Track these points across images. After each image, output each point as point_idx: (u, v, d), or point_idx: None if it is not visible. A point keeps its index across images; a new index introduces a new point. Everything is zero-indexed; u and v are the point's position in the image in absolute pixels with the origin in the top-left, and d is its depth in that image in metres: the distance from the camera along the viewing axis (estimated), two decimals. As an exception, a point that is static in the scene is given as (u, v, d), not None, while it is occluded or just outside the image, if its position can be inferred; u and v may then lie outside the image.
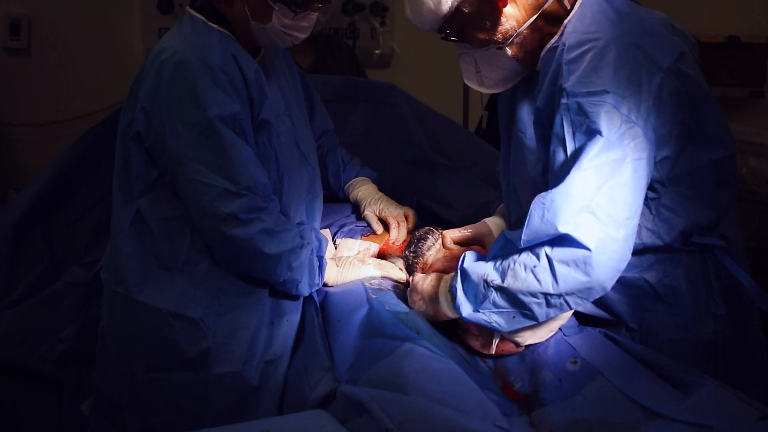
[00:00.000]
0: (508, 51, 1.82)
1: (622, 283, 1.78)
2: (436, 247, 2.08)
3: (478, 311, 1.74)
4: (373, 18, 4.10)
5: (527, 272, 1.67)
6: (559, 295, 1.67)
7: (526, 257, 1.68)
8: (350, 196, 2.48)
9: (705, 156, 1.79)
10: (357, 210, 2.49)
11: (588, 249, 1.63)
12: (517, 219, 1.93)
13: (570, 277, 1.65)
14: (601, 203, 1.63)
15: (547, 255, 1.66)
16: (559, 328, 1.88)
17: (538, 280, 1.67)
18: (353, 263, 2.13)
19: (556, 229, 1.63)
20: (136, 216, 1.93)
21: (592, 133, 1.64)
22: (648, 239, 1.81)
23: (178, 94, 1.85)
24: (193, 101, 1.83)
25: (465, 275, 1.77)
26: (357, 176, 2.48)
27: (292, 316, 2.02)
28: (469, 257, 1.81)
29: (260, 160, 1.93)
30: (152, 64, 1.89)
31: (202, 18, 1.94)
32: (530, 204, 1.69)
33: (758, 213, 4.26)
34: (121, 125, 1.96)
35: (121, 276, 1.95)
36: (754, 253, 4.36)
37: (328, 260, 2.09)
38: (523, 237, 1.67)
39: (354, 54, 3.52)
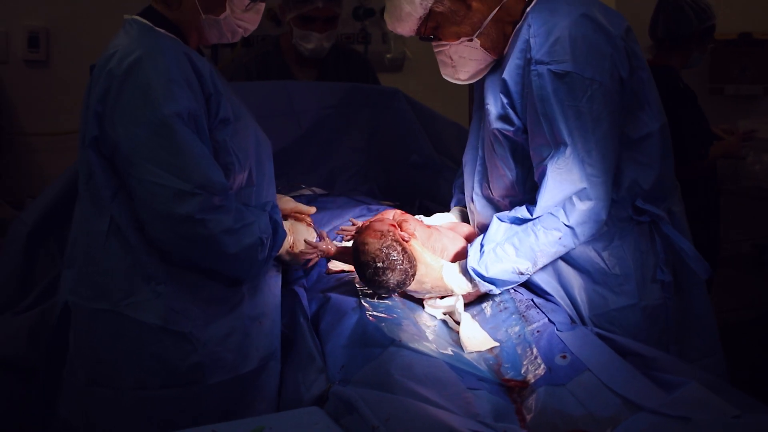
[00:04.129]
0: (478, 42, 2.04)
1: (572, 258, 2.04)
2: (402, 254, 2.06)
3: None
4: (384, 23, 4.13)
5: (555, 245, 1.96)
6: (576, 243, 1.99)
7: (547, 234, 1.95)
8: None
9: (654, 122, 2.04)
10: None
11: (591, 200, 1.93)
12: (499, 190, 2.14)
13: (586, 231, 1.96)
14: (589, 161, 1.92)
15: (565, 224, 1.94)
16: (553, 323, 1.96)
17: (564, 245, 1.97)
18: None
19: (578, 185, 1.92)
20: (111, 227, 1.87)
21: (566, 99, 1.90)
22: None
23: (130, 95, 1.79)
24: (145, 100, 1.78)
25: (492, 282, 2.01)
26: None
27: (275, 315, 2.03)
28: (473, 258, 1.99)
29: (222, 156, 1.89)
30: (102, 69, 1.83)
31: (147, 22, 1.89)
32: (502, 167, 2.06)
33: (772, 209, 4.27)
34: (80, 138, 1.91)
35: (105, 292, 1.88)
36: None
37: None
38: (543, 203, 1.95)
39: (366, 62, 3.53)
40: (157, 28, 1.88)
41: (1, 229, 2.95)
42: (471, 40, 2.04)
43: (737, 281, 4.54)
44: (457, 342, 1.98)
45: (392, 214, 2.20)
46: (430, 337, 1.93)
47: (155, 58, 1.80)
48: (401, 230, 2.10)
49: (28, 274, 2.35)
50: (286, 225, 2.13)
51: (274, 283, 2.09)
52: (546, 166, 1.95)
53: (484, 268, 1.99)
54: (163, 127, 1.78)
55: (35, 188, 3.28)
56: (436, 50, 2.11)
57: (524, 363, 1.88)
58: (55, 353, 2.05)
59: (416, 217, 2.31)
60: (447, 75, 2.15)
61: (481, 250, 2.01)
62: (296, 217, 2.27)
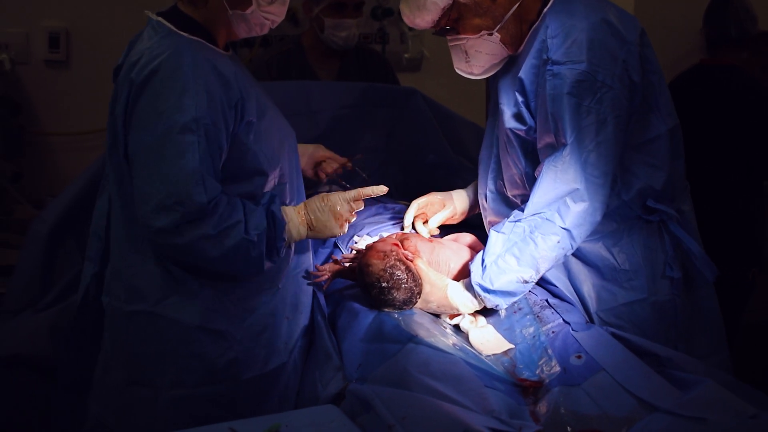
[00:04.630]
0: (498, 36, 2.04)
1: (582, 253, 2.06)
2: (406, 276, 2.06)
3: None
4: (402, 23, 4.12)
5: (555, 249, 1.95)
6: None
7: (546, 240, 1.94)
8: None
9: (662, 125, 2.06)
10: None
11: (585, 201, 1.93)
12: (512, 187, 2.17)
13: (582, 233, 1.97)
14: (591, 161, 1.92)
15: (562, 227, 1.94)
16: (568, 323, 1.96)
17: (563, 248, 1.96)
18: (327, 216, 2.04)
19: (572, 186, 1.93)
20: (143, 232, 1.90)
21: (575, 99, 1.92)
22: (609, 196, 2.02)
23: (144, 103, 1.82)
24: (155, 110, 1.81)
25: (498, 295, 1.99)
26: None
27: (305, 313, 2.07)
28: (476, 273, 1.99)
29: (250, 156, 1.92)
30: (125, 77, 1.87)
31: (171, 26, 1.89)
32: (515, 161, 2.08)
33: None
34: (108, 143, 1.95)
35: (141, 295, 1.92)
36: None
37: (293, 224, 2.00)
38: (536, 200, 1.96)
39: (385, 62, 3.53)
40: (180, 32, 1.89)
41: (21, 228, 2.99)
42: (491, 34, 2.05)
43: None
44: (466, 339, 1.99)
45: (394, 235, 2.21)
46: (448, 332, 1.94)
47: (172, 67, 1.82)
48: (404, 248, 2.11)
49: (48, 273, 2.38)
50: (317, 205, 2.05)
51: (303, 280, 2.11)
52: (543, 163, 1.97)
53: (489, 281, 1.98)
54: (164, 137, 1.80)
55: (55, 188, 3.31)
56: (451, 43, 2.12)
57: (539, 363, 1.88)
58: (75, 350, 2.10)
59: (420, 228, 2.35)
60: (460, 69, 2.15)
61: (482, 265, 2.00)
62: (326, 171, 2.39)
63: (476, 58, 2.10)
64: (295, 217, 1.99)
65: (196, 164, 1.82)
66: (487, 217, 2.27)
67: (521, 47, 2.08)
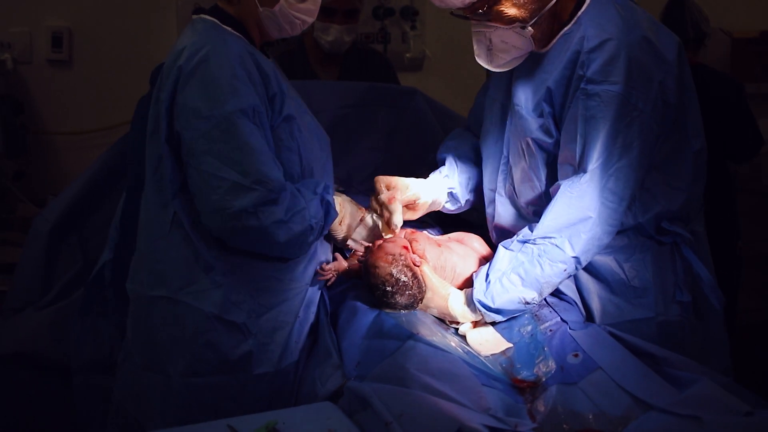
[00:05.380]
0: (530, 31, 1.95)
1: (592, 266, 2.01)
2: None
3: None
4: (403, 22, 4.16)
5: (560, 276, 1.95)
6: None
7: (553, 267, 1.93)
8: None
9: (687, 146, 2.02)
10: None
11: (598, 226, 1.91)
12: (526, 198, 2.11)
13: (589, 257, 1.95)
14: (609, 185, 1.89)
15: (572, 256, 1.92)
16: (566, 322, 1.97)
17: (569, 274, 1.96)
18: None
19: (585, 213, 1.90)
20: (175, 219, 1.93)
21: (605, 120, 1.87)
22: (624, 216, 1.98)
23: (196, 89, 1.85)
24: (210, 96, 1.84)
25: (497, 312, 1.98)
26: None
27: (313, 311, 2.08)
28: (479, 289, 1.99)
29: (285, 153, 1.96)
30: (173, 63, 1.90)
31: (215, 20, 1.96)
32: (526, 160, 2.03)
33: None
34: (149, 129, 1.97)
35: (164, 280, 1.94)
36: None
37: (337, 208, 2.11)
38: (547, 222, 1.93)
39: (387, 62, 3.51)
40: (223, 26, 1.95)
41: (24, 226, 3.01)
42: (524, 27, 1.95)
43: (759, 281, 4.52)
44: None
45: (403, 233, 2.20)
46: (449, 331, 1.96)
47: (221, 54, 1.87)
48: (412, 251, 2.11)
49: (50, 271, 2.41)
50: (338, 201, 2.15)
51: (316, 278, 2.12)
52: (560, 185, 1.94)
53: (490, 299, 1.97)
54: (225, 122, 1.84)
55: (58, 187, 3.31)
56: (476, 29, 2.01)
57: (536, 362, 1.89)
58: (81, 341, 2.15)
59: (426, 232, 2.33)
60: (480, 58, 2.05)
61: (486, 281, 1.99)
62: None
63: (501, 49, 2.00)
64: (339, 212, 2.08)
65: (260, 145, 1.87)
66: (495, 220, 2.23)
67: (548, 46, 2.00)
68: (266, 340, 1.97)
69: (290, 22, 2.02)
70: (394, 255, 2.06)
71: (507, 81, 2.13)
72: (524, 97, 2.04)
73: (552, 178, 2.03)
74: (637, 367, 1.75)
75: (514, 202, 2.15)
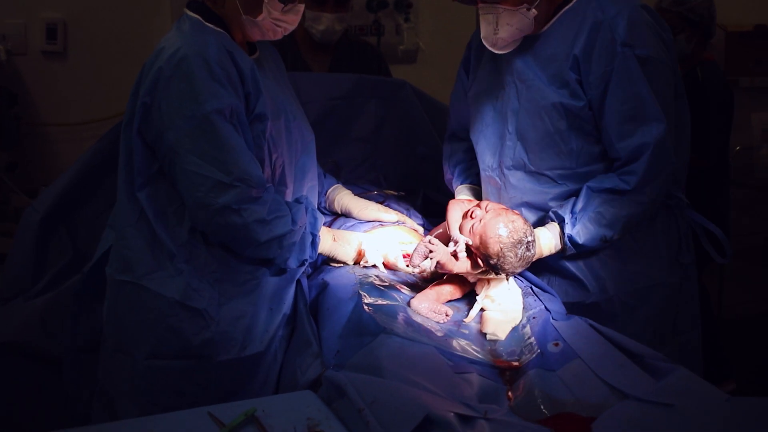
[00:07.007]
0: (533, 12, 2.06)
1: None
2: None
3: None
4: (397, 14, 4.17)
5: (638, 216, 2.11)
6: None
7: (632, 206, 2.08)
8: (333, 201, 2.52)
9: (686, 112, 2.23)
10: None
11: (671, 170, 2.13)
12: (516, 163, 2.20)
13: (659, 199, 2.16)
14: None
15: (650, 198, 2.10)
16: (549, 311, 2.01)
17: (645, 213, 2.14)
18: (348, 241, 2.24)
19: (673, 164, 2.10)
20: (142, 210, 1.99)
21: (652, 80, 2.04)
22: None
23: (177, 89, 1.90)
24: (191, 95, 1.89)
25: (580, 248, 2.12)
26: (337, 183, 2.56)
27: (288, 303, 2.10)
28: (568, 226, 2.11)
29: (256, 151, 2.00)
30: (153, 63, 1.95)
31: (199, 17, 2.01)
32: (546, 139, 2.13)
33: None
34: (124, 121, 2.02)
35: (130, 266, 2.00)
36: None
37: (324, 234, 2.17)
38: (642, 177, 2.06)
39: (378, 55, 3.51)
40: (207, 24, 2.00)
41: (17, 217, 3.03)
42: (529, 9, 2.05)
43: (750, 274, 4.54)
44: (458, 323, 2.03)
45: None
46: (423, 325, 1.97)
47: (201, 55, 1.91)
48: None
49: (40, 261, 2.41)
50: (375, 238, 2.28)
51: (298, 277, 2.16)
52: (646, 143, 2.04)
53: (578, 234, 2.09)
54: (205, 122, 1.90)
55: (51, 178, 3.32)
56: (483, 12, 2.10)
57: (521, 347, 1.93)
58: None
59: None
60: (486, 39, 2.13)
61: (573, 218, 2.10)
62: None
63: (505, 31, 2.09)
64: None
65: (240, 143, 1.94)
66: (509, 192, 2.24)
67: (545, 27, 2.12)
68: (228, 328, 2.01)
69: (273, 29, 2.06)
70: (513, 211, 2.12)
71: (492, 68, 2.24)
72: (531, 73, 2.14)
73: (578, 140, 2.12)
74: (616, 359, 1.77)
75: (530, 171, 2.19)
